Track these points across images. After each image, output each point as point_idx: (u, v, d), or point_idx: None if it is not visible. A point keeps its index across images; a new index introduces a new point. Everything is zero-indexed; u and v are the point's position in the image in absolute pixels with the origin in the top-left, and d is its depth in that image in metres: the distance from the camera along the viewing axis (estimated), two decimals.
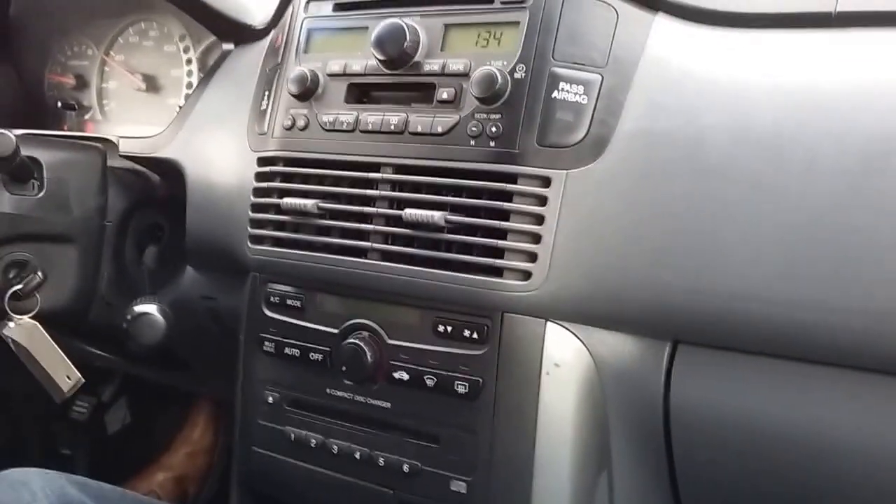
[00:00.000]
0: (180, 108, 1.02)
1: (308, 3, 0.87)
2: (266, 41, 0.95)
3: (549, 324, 0.72)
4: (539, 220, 0.71)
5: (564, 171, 0.71)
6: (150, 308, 0.91)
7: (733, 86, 0.69)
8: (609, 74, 0.72)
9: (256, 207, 0.85)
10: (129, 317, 0.91)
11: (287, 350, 0.83)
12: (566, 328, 0.72)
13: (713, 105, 0.68)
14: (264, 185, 0.85)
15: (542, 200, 0.71)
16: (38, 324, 0.89)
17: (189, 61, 1.13)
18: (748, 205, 0.65)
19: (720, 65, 0.71)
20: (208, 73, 1.01)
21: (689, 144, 0.68)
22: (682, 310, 0.68)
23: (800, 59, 0.69)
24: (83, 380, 0.92)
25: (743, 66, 0.70)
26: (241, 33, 0.98)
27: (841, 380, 0.64)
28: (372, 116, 0.79)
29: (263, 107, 0.88)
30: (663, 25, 0.75)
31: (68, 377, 0.90)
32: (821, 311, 0.62)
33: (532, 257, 0.71)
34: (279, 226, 0.84)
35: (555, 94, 0.72)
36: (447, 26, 0.77)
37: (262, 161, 0.86)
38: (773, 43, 0.71)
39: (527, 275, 0.71)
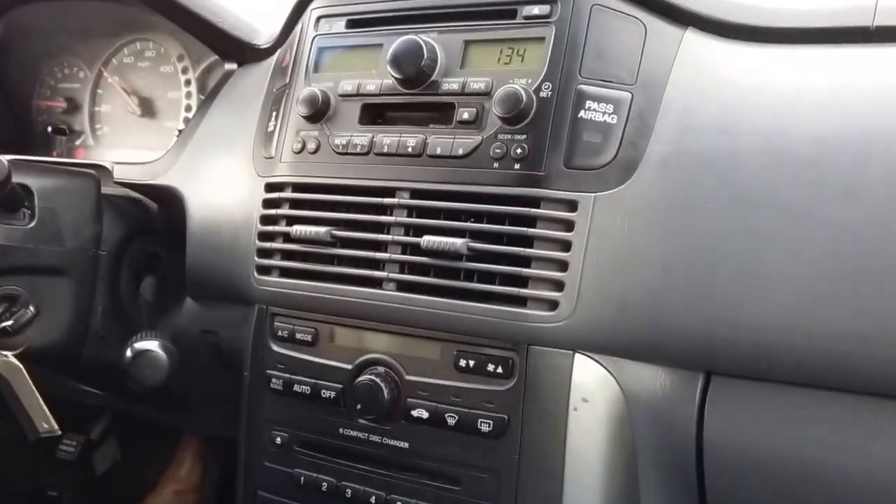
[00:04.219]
0: (179, 131, 1.01)
1: (318, 20, 0.86)
2: (272, 60, 0.94)
3: (577, 356, 0.71)
4: (566, 246, 0.70)
5: (592, 195, 0.70)
6: (152, 345, 0.88)
7: (769, 105, 0.68)
8: (638, 93, 0.72)
9: (263, 236, 0.84)
10: (128, 354, 0.88)
11: (296, 387, 0.81)
12: (595, 360, 0.71)
13: (748, 126, 0.68)
14: (272, 212, 0.83)
15: (569, 226, 0.70)
16: (20, 366, 0.87)
17: (188, 82, 1.12)
18: (787, 233, 0.64)
19: (755, 83, 0.70)
20: (210, 94, 1.00)
21: (724, 168, 0.67)
22: (718, 341, 0.66)
23: (838, 76, 0.69)
24: (59, 432, 0.89)
25: (778, 84, 0.70)
26: (246, 52, 0.97)
27: (884, 411, 0.63)
28: (388, 138, 0.78)
29: (270, 129, 0.87)
30: (694, 41, 0.74)
31: (45, 424, 0.87)
32: (864, 341, 0.61)
33: (559, 286, 0.70)
34: (288, 255, 0.83)
35: (582, 113, 0.71)
36: (467, 43, 0.77)
37: (270, 187, 0.84)
38: (810, 59, 0.71)
39: (553, 304, 0.70)
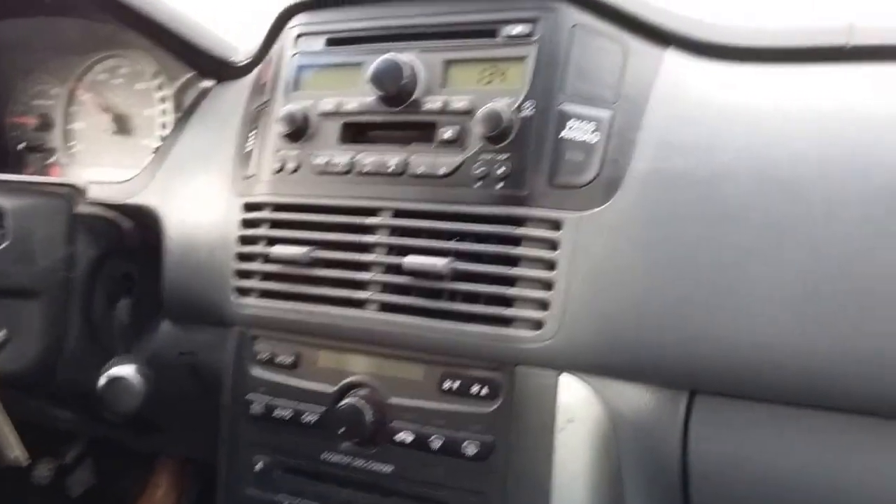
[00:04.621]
0: (155, 150, 0.99)
1: (298, 37, 0.85)
2: (250, 77, 0.93)
3: (562, 376, 0.70)
4: (550, 265, 0.70)
5: (576, 214, 0.70)
6: (127, 371, 0.86)
7: (749, 123, 0.69)
8: (620, 111, 0.72)
9: (242, 257, 0.83)
10: (102, 381, 0.86)
11: (277, 411, 0.80)
12: (581, 379, 0.71)
13: (729, 143, 0.68)
14: (251, 232, 0.82)
15: (553, 245, 0.70)
16: None
17: (163, 100, 1.10)
18: (769, 250, 0.64)
19: (735, 101, 0.71)
20: (186, 112, 0.99)
21: (706, 186, 0.67)
22: (702, 359, 0.67)
23: (816, 94, 0.70)
24: (26, 462, 0.87)
25: (758, 102, 0.70)
26: (223, 69, 0.97)
27: (867, 429, 0.63)
28: (369, 157, 0.77)
29: (249, 148, 0.86)
30: (674, 60, 0.75)
31: (13, 453, 0.85)
32: (845, 359, 0.62)
33: (543, 305, 0.69)
34: (267, 276, 0.82)
35: (564, 132, 0.71)
36: (448, 62, 0.77)
37: (249, 207, 0.83)
38: (788, 78, 0.72)
39: (538, 324, 0.70)
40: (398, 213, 0.75)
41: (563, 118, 0.71)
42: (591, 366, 0.70)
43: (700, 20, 0.76)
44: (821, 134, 0.66)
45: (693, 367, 0.67)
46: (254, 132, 0.86)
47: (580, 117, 0.71)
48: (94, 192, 0.96)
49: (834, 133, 0.66)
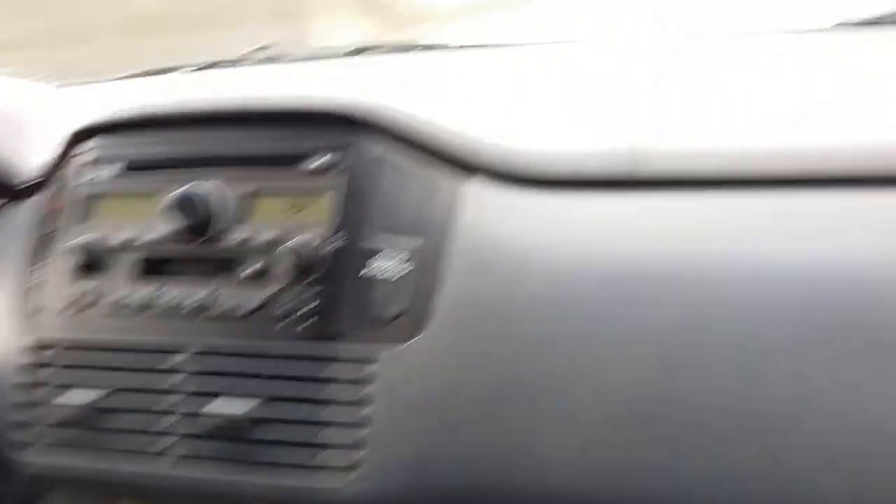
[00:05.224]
0: None
1: (93, 161, 0.80)
2: (35, 201, 0.86)
3: None
4: (360, 406, 0.68)
5: (386, 349, 0.69)
6: None
7: (549, 253, 0.71)
8: (427, 242, 0.72)
9: (23, 405, 0.75)
10: None
11: None
12: None
13: (530, 274, 0.69)
14: (34, 377, 0.75)
15: (363, 384, 0.68)
16: None
17: None
18: (571, 379, 0.65)
19: (537, 231, 0.73)
20: None
21: (511, 316, 0.68)
22: (512, 493, 0.66)
23: (609, 224, 0.72)
24: None
25: (558, 231, 0.72)
26: (5, 191, 0.88)
27: None
28: (168, 294, 0.73)
29: (33, 282, 0.79)
30: (479, 189, 0.76)
31: None
32: (650, 488, 0.63)
33: (354, 449, 0.67)
34: (55, 425, 0.74)
35: (372, 265, 0.70)
36: (252, 192, 0.74)
37: (33, 348, 0.76)
38: (587, 207, 0.74)
39: (349, 469, 0.67)
40: (199, 355, 0.71)
41: (370, 251, 0.71)
42: None
43: (508, 146, 0.77)
44: (618, 262, 0.69)
45: (506, 500, 0.66)
46: (40, 264, 0.80)
47: (387, 250, 0.71)
48: None
49: (630, 261, 0.69)
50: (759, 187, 0.67)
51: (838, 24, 0.97)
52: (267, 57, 1.21)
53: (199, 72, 1.16)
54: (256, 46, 1.22)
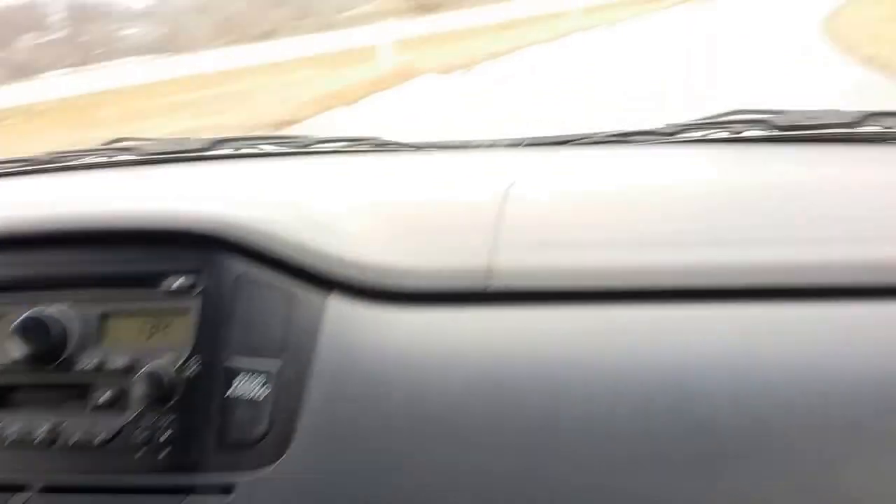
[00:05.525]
0: None
1: None
2: None
3: None
4: None
5: (248, 475, 0.69)
6: None
7: (406, 368, 0.73)
8: (287, 363, 0.73)
9: None
10: None
11: None
12: None
13: (388, 390, 0.71)
14: None
15: None
16: None
17: None
18: (434, 499, 0.68)
19: (394, 345, 0.75)
20: None
21: (373, 435, 0.70)
22: None
23: (463, 336, 0.75)
24: None
25: (414, 344, 0.75)
26: None
27: None
28: (13, 425, 0.71)
29: None
30: (338, 306, 0.78)
31: None
32: None
33: None
34: None
35: (232, 388, 0.71)
36: (105, 315, 0.73)
37: None
38: (442, 320, 0.77)
39: None
40: (47, 490, 0.69)
41: (230, 374, 0.71)
42: None
43: (365, 262, 0.79)
44: (471, 374, 0.71)
45: None
46: None
47: (248, 371, 0.72)
48: None
49: (481, 373, 0.72)
50: (601, 300, 0.73)
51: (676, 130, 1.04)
52: (120, 148, 1.18)
53: (43, 173, 1.12)
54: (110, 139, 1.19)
